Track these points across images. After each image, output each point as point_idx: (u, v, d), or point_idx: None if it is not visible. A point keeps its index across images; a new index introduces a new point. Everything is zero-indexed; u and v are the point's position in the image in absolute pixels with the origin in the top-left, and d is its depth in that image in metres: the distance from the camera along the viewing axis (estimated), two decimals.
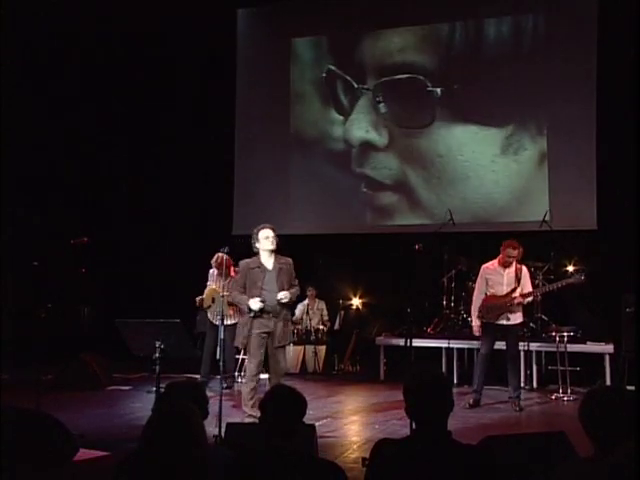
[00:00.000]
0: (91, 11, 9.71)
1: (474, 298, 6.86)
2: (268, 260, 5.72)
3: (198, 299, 7.74)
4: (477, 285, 6.89)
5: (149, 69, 10.37)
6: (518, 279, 6.64)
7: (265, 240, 5.68)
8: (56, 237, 8.74)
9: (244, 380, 6.08)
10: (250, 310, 5.56)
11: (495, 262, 6.76)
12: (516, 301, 6.58)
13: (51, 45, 9.73)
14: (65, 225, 9.28)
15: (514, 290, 6.62)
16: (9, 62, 8.72)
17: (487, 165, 9.26)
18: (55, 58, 9.85)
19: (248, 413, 5.56)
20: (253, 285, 5.63)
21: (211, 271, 7.87)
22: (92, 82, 10.20)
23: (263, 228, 5.75)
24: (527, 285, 6.72)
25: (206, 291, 7.72)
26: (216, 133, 10.28)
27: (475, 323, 6.78)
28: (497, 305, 6.62)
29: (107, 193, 10.35)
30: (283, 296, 5.58)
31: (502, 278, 6.69)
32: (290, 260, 5.82)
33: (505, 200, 9.17)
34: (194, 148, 10.20)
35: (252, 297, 5.57)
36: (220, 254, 7.48)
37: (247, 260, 5.77)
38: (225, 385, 7.16)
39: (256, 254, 5.76)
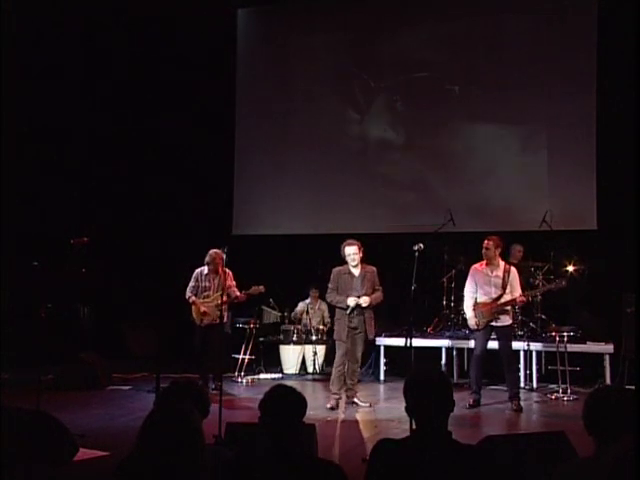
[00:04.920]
0: (90, 11, 9.71)
1: (465, 299, 6.89)
2: (355, 268, 6.71)
3: (196, 318, 7.51)
4: (467, 285, 6.91)
5: (149, 69, 10.36)
6: (505, 284, 6.63)
7: (348, 257, 6.67)
8: (56, 237, 8.72)
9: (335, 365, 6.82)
10: (347, 307, 6.58)
11: (484, 263, 6.80)
12: (496, 309, 6.61)
13: (50, 45, 9.72)
14: (65, 225, 9.27)
15: (500, 297, 6.63)
16: (9, 61, 8.73)
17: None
18: (54, 58, 9.84)
19: (333, 392, 6.70)
20: (343, 288, 6.67)
21: (198, 271, 7.55)
22: (91, 82, 10.20)
23: (348, 245, 6.69)
24: (516, 288, 6.71)
25: (193, 313, 7.50)
26: (216, 133, 10.27)
27: (470, 315, 6.77)
28: (484, 312, 6.66)
29: (107, 193, 10.34)
30: (363, 301, 6.59)
31: (489, 279, 6.71)
32: (374, 269, 6.78)
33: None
34: (194, 148, 10.19)
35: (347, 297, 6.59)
36: (217, 251, 7.29)
37: (339, 267, 6.80)
38: (213, 386, 7.10)
39: (346, 262, 6.72)
